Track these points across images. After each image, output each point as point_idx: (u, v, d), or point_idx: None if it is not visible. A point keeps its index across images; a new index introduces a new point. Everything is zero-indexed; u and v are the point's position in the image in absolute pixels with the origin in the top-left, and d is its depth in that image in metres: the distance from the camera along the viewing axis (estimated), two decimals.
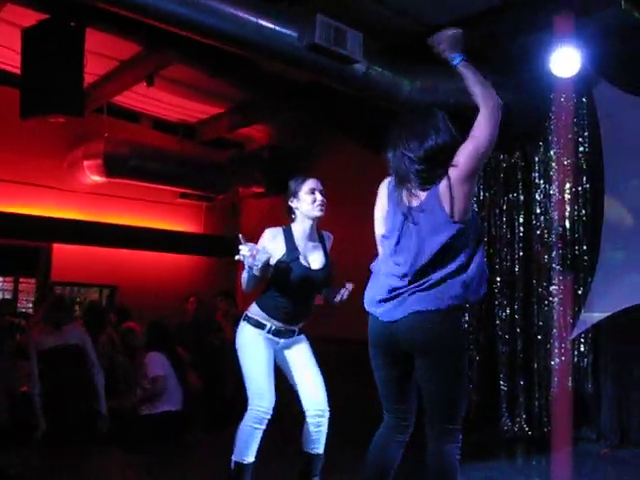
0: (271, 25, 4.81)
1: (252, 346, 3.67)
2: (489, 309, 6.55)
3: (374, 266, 3.00)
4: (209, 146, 9.49)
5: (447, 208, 2.74)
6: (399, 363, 2.87)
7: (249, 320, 3.72)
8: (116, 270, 8.93)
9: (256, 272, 3.44)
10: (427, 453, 2.82)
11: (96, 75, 7.74)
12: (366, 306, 2.93)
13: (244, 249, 3.37)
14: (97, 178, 8.35)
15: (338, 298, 3.73)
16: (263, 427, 3.58)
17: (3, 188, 8.04)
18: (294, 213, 3.75)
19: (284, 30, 4.86)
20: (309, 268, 3.69)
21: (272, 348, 3.72)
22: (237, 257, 3.39)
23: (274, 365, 3.73)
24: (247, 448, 3.57)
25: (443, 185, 2.76)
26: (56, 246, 8.64)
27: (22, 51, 5.37)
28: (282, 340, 3.75)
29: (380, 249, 2.99)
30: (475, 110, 5.49)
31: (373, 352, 2.95)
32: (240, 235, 3.43)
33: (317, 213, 3.71)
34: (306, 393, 3.77)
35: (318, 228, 3.82)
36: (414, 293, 2.75)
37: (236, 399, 4.62)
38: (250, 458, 3.59)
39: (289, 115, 7.98)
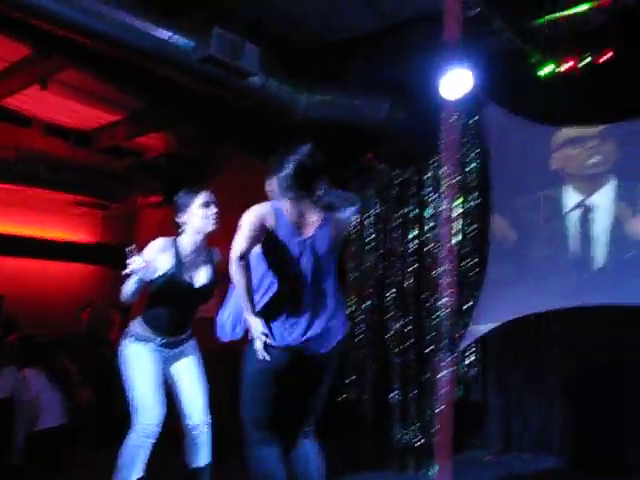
0: (167, 34, 4.77)
1: (137, 360, 3.59)
2: (382, 322, 6.69)
3: None
4: (106, 154, 9.24)
5: None
6: None
7: (134, 336, 3.64)
8: (2, 279, 8.56)
9: (142, 284, 3.40)
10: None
11: None
12: None
13: (138, 260, 3.32)
14: None
15: None
16: (152, 441, 3.51)
17: None
18: (181, 227, 3.69)
19: (180, 40, 4.82)
20: (192, 285, 3.66)
21: (160, 360, 3.65)
22: (129, 268, 3.32)
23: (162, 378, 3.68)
24: (133, 465, 3.48)
25: None
26: None
27: None
28: (171, 351, 3.70)
29: None
30: (372, 127, 5.58)
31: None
32: (133, 246, 3.36)
33: (211, 227, 3.66)
34: (186, 403, 3.72)
35: (207, 243, 3.78)
36: None
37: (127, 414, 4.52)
38: (136, 475, 3.50)
39: (187, 124, 7.90)
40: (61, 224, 9.38)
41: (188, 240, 3.68)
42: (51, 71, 6.79)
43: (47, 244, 9.15)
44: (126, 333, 3.68)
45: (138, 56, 4.96)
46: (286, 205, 3.13)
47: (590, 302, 5.39)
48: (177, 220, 3.67)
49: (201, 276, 3.71)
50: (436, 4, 4.94)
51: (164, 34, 4.76)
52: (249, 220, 3.05)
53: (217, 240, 3.79)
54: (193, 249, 3.69)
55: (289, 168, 3.14)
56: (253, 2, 5.32)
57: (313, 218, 3.16)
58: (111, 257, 9.25)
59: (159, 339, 3.63)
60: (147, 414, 3.50)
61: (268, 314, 3.05)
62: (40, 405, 5.47)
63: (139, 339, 3.61)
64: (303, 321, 3.05)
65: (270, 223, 3.06)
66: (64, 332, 7.59)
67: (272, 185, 3.31)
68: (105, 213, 9.78)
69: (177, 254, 3.62)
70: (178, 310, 3.66)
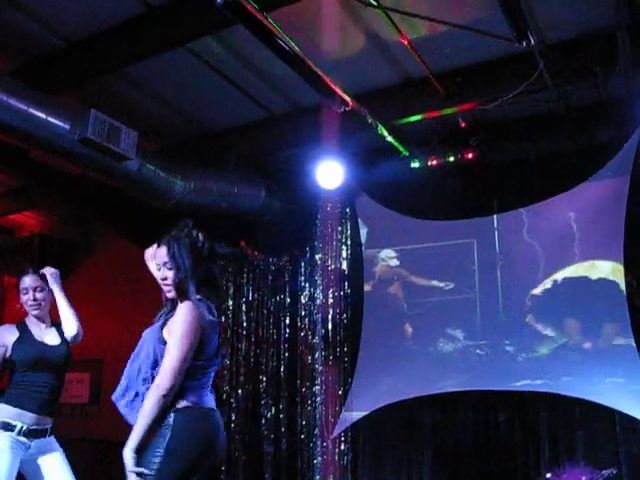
0: (43, 115, 4.71)
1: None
2: (255, 409, 6.63)
3: None
4: None
5: None
6: None
7: None
8: None
9: None
10: None
11: None
12: None
13: None
14: None
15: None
16: None
17: None
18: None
19: (56, 121, 4.76)
20: (43, 342, 3.65)
21: (20, 455, 3.44)
22: None
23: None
24: None
25: None
26: None
27: None
28: (34, 442, 3.50)
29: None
30: (247, 214, 5.64)
31: None
32: None
33: (33, 313, 3.71)
34: None
35: (52, 319, 3.79)
36: None
37: None
38: None
39: (61, 204, 7.74)
40: None
41: (30, 320, 3.72)
42: None
43: None
44: None
45: (14, 136, 4.86)
46: None
47: (452, 388, 5.65)
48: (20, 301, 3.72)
49: (51, 338, 3.71)
50: (313, 98, 5.19)
51: (40, 114, 4.70)
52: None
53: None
54: (37, 326, 3.71)
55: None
56: (133, 87, 5.38)
57: None
58: None
59: (21, 425, 3.43)
60: None
61: None
62: None
63: (3, 427, 3.42)
64: None
65: None
66: None
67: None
68: None
69: (23, 329, 3.65)
70: (38, 376, 3.55)
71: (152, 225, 6.83)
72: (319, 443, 6.30)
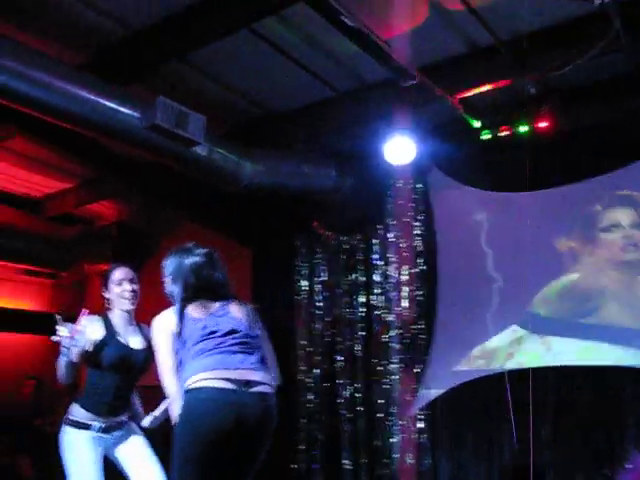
0: (113, 105, 4.81)
1: (74, 452, 3.47)
2: (331, 388, 6.64)
3: None
4: (56, 221, 9.17)
5: None
6: None
7: (72, 423, 3.52)
8: None
9: (73, 357, 3.31)
10: None
11: None
12: None
13: (62, 330, 3.25)
14: None
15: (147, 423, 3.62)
16: None
17: None
18: (109, 302, 3.66)
19: (126, 110, 4.85)
20: (128, 346, 3.59)
21: (100, 447, 3.54)
22: (54, 338, 3.26)
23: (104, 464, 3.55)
24: None
25: None
26: None
27: None
28: (112, 435, 3.59)
29: None
30: (319, 194, 5.66)
31: None
32: (57, 315, 3.29)
33: (127, 307, 3.63)
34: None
35: (137, 320, 3.73)
36: None
37: None
38: None
39: (135, 193, 7.91)
40: (10, 293, 9.20)
41: (115, 315, 3.66)
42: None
43: None
44: (65, 418, 3.57)
45: (84, 127, 4.98)
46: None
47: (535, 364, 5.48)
48: (103, 294, 3.66)
49: (135, 342, 3.66)
50: (379, 74, 5.11)
51: (110, 105, 4.79)
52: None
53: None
54: (122, 322, 3.65)
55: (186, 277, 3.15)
56: (198, 73, 5.41)
57: None
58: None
59: (97, 424, 3.52)
60: None
61: None
62: None
63: (76, 426, 3.50)
64: None
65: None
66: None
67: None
68: (54, 282, 9.61)
69: (108, 324, 3.58)
70: (116, 379, 3.56)
71: (225, 210, 7.00)
72: (397, 421, 6.27)
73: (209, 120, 5.11)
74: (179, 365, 2.93)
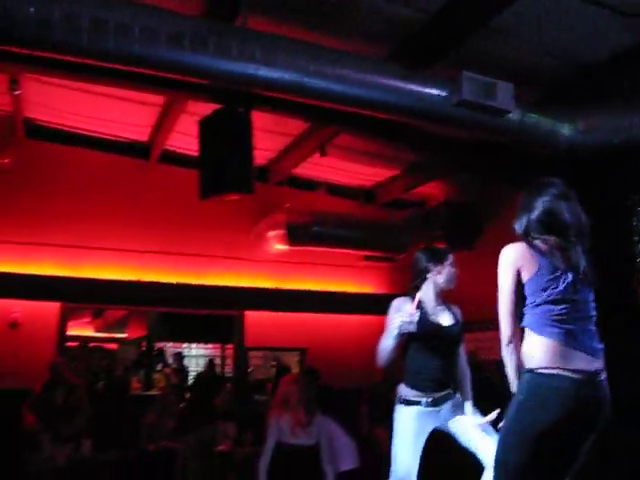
0: (419, 88, 4.94)
1: (402, 427, 3.70)
2: None
3: None
4: (388, 207, 9.66)
5: None
6: None
7: (403, 401, 3.74)
8: (305, 333, 9.26)
9: (400, 339, 3.53)
10: None
11: (276, 151, 8.28)
12: None
13: (403, 315, 3.49)
14: (281, 247, 8.76)
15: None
16: None
17: (196, 262, 8.71)
18: (421, 279, 3.81)
19: (432, 91, 4.96)
20: (440, 325, 3.74)
21: (430, 421, 3.70)
22: (398, 324, 3.48)
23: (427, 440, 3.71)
24: None
25: None
26: (248, 313, 9.16)
27: (199, 138, 5.85)
28: (442, 407, 3.73)
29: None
30: None
31: None
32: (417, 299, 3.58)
33: (452, 286, 3.84)
34: (481, 449, 3.64)
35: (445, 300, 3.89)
36: None
37: None
38: None
39: (458, 172, 7.98)
40: (354, 278, 9.89)
41: (427, 292, 3.79)
42: (328, 138, 7.35)
43: (343, 298, 9.69)
44: (398, 397, 3.79)
45: (396, 113, 5.19)
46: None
47: None
48: (426, 269, 3.82)
49: (445, 319, 3.79)
50: None
51: (417, 88, 4.93)
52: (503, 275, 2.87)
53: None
54: (432, 299, 3.81)
55: (535, 213, 2.93)
56: (498, 41, 5.29)
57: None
58: None
59: (425, 400, 3.68)
60: (399, 469, 3.64)
61: None
62: (337, 449, 5.75)
63: (406, 403, 3.71)
64: None
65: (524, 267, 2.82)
66: (363, 381, 7.92)
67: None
68: (392, 265, 10.08)
69: (419, 307, 3.68)
70: (435, 357, 3.71)
71: (548, 175, 6.67)
72: None
73: (518, 87, 4.97)
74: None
